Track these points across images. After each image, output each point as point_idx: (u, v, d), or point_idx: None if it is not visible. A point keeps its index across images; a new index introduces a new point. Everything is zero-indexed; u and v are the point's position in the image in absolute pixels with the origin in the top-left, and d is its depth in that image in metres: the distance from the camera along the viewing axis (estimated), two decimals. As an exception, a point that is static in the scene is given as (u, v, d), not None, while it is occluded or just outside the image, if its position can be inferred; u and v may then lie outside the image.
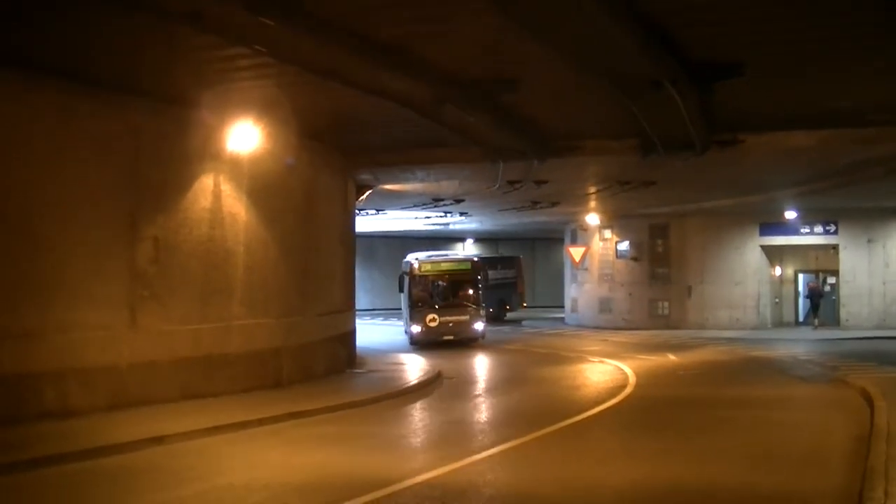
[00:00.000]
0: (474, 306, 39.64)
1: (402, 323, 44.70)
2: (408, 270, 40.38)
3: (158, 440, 15.75)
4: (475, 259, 42.07)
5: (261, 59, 16.61)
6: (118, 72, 17.66)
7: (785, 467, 13.73)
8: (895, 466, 12.29)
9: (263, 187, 22.56)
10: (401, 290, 40.68)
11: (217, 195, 21.21)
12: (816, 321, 47.23)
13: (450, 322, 38.76)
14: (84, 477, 13.56)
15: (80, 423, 16.72)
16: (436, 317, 38.54)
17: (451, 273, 40.62)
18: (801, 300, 51.39)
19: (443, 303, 39.43)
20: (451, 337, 38.55)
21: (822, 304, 48.02)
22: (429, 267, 40.50)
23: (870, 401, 19.23)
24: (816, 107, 21.51)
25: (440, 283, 40.43)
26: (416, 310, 39.14)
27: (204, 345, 20.71)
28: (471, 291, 40.05)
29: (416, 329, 38.68)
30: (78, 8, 14.04)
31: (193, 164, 20.69)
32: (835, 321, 47.00)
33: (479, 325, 39.59)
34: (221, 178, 21.29)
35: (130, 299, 19.07)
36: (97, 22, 14.66)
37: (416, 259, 40.92)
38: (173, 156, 20.08)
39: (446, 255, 45.23)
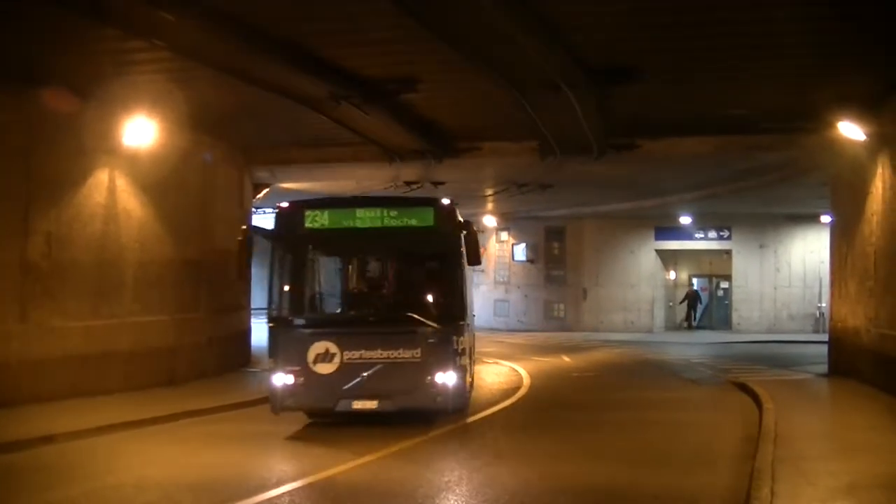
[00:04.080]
0: (439, 322, 16.55)
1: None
2: (276, 230, 17.95)
3: (48, 439, 15.45)
4: (444, 203, 18.21)
5: (159, 52, 16.45)
6: (13, 60, 17.28)
7: (674, 467, 13.89)
8: (781, 467, 12.53)
9: (159, 183, 22.30)
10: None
11: (112, 190, 20.91)
12: (687, 323, 50.25)
13: (371, 364, 16.32)
14: (-30, 476, 13.27)
15: (-34, 421, 16.35)
16: (334, 349, 16.28)
17: (383, 235, 17.26)
18: (697, 304, 52.27)
19: (360, 312, 18.25)
20: (371, 404, 16.49)
21: (713, 306, 50.71)
22: (326, 221, 17.12)
23: (759, 403, 19.58)
24: (712, 114, 21.95)
25: (354, 261, 19.87)
26: (286, 332, 16.84)
27: (97, 341, 20.41)
28: (433, 283, 18.21)
29: (283, 381, 16.39)
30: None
31: (89, 158, 20.35)
32: (727, 325, 47.98)
33: (447, 375, 16.35)
34: (117, 173, 21.00)
35: (21, 294, 18.70)
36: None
37: (292, 203, 17.95)
38: (69, 149, 19.68)
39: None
